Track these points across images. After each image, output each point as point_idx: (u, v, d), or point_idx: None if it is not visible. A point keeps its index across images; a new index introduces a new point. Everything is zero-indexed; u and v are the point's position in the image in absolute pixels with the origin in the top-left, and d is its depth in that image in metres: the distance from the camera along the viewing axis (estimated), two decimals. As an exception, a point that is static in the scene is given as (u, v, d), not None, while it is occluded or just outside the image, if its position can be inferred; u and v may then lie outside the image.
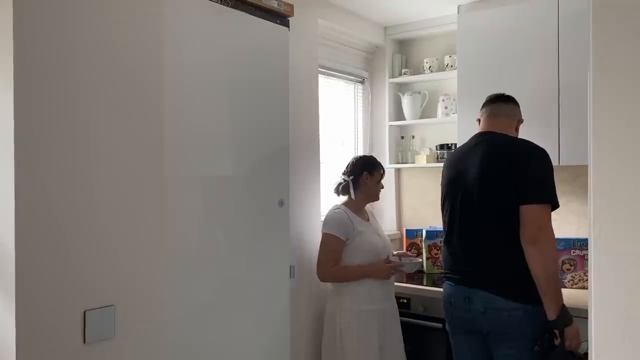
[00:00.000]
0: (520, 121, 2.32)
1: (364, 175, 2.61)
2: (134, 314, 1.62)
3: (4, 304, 1.37)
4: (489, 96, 2.34)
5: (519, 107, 2.31)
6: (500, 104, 2.28)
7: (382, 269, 2.53)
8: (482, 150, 2.18)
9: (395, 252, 2.75)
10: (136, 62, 1.63)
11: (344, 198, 2.67)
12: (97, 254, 1.52)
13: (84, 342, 1.48)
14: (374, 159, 2.71)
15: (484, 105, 2.33)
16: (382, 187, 2.69)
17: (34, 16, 1.38)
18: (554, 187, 2.06)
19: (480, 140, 2.23)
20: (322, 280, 2.58)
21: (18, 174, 1.34)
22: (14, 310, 1.34)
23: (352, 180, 2.62)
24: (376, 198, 2.69)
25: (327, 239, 2.53)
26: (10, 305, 1.35)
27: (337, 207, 2.62)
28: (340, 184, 2.66)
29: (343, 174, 2.67)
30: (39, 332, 1.39)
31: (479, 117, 2.34)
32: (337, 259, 2.52)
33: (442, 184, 2.40)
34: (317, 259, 2.57)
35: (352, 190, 2.61)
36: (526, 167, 2.05)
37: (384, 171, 2.69)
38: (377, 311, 2.52)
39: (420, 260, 2.71)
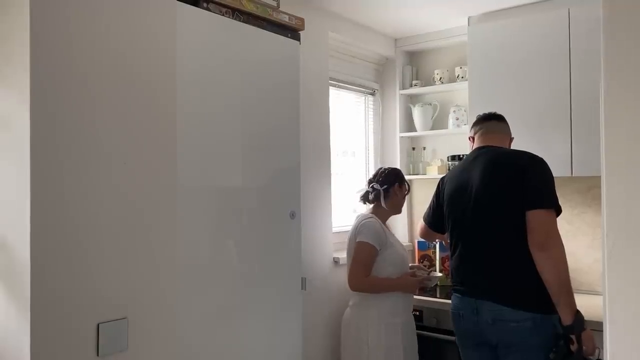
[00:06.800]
0: (512, 139, 2.37)
1: (395, 186, 2.61)
2: (147, 326, 1.62)
3: (19, 317, 1.39)
4: (481, 115, 2.39)
5: (509, 126, 2.36)
6: (494, 122, 2.34)
7: (411, 282, 2.50)
8: (482, 163, 2.19)
9: (410, 265, 2.73)
10: (150, 75, 1.65)
11: (369, 207, 2.65)
12: (110, 267, 1.53)
13: (98, 354, 1.49)
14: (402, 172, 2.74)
15: (477, 123, 2.38)
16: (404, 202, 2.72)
17: (51, 31, 1.41)
18: (555, 193, 2.05)
19: (479, 153, 2.26)
20: (353, 289, 2.50)
21: (34, 187, 1.36)
22: (29, 323, 1.35)
23: (384, 190, 2.60)
24: (400, 211, 2.69)
25: (363, 247, 2.46)
26: (25, 318, 1.37)
27: (369, 216, 2.56)
28: (368, 192, 2.63)
29: (372, 183, 2.64)
30: (53, 345, 1.40)
31: (471, 135, 2.38)
32: (369, 269, 2.47)
33: (441, 199, 2.40)
34: (349, 267, 2.51)
35: (382, 200, 2.59)
36: (528, 174, 2.06)
37: (409, 185, 2.72)
38: (401, 324, 2.49)
39: (442, 274, 2.73)
